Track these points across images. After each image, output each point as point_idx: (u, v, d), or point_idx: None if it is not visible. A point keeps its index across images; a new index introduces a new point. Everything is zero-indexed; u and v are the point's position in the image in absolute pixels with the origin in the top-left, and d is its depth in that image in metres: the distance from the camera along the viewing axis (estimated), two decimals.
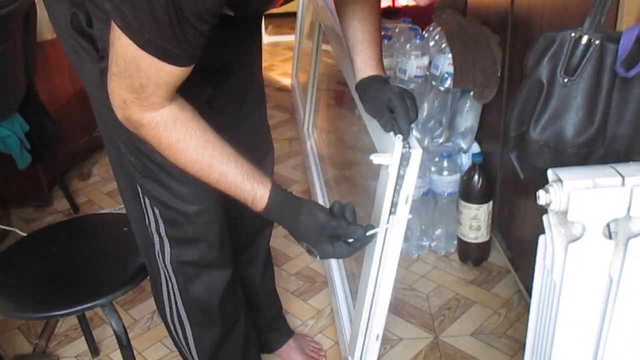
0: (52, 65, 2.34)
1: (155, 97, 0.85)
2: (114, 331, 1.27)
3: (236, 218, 1.29)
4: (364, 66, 1.09)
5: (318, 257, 0.95)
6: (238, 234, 1.33)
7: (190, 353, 1.26)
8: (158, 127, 0.88)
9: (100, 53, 0.97)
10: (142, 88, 0.84)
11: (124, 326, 1.28)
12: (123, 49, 0.81)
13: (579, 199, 0.82)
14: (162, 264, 1.16)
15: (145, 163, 1.04)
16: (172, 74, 0.83)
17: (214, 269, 1.19)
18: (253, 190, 0.93)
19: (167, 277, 1.17)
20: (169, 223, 1.11)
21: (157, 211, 1.10)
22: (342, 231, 0.92)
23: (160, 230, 1.12)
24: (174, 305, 1.21)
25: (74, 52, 1.02)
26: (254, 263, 1.45)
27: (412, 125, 1.03)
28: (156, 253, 1.15)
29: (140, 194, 1.09)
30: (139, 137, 0.91)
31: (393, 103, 1.01)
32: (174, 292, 1.19)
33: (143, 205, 1.10)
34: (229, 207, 1.19)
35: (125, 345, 1.28)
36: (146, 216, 1.11)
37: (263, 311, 1.51)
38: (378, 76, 1.08)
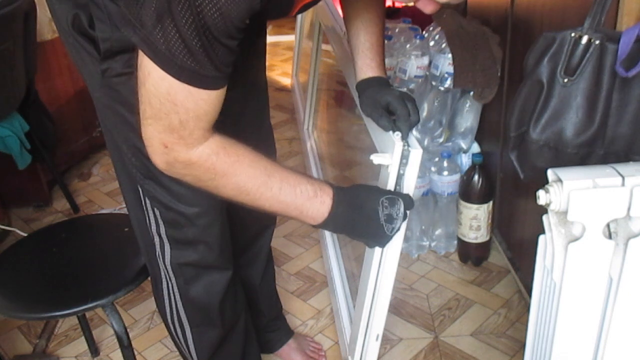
0: (52, 65, 2.34)
1: (199, 130, 0.82)
2: (115, 332, 1.27)
3: (238, 219, 1.29)
4: (365, 67, 1.10)
5: (401, 202, 0.95)
6: (240, 234, 1.33)
7: (190, 353, 1.26)
8: (211, 158, 0.85)
9: (102, 55, 0.96)
10: (183, 125, 0.81)
11: (125, 327, 1.28)
12: (156, 85, 0.78)
13: (579, 199, 0.82)
14: (163, 265, 1.16)
15: (146, 164, 1.04)
16: (210, 100, 0.81)
17: (213, 270, 1.18)
18: (315, 190, 0.92)
19: (168, 277, 1.18)
20: (169, 224, 1.11)
21: (157, 212, 1.10)
22: (396, 194, 0.96)
23: (161, 231, 1.12)
24: (174, 306, 1.21)
25: (75, 52, 1.02)
26: (255, 264, 1.45)
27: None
28: (157, 254, 1.15)
29: (141, 195, 1.09)
30: (187, 180, 0.88)
31: (393, 106, 1.02)
32: (174, 293, 1.19)
33: (144, 206, 1.10)
34: (231, 207, 1.19)
35: (126, 346, 1.28)
36: (147, 217, 1.11)
37: (263, 312, 1.51)
38: (379, 78, 1.09)
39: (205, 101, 0.81)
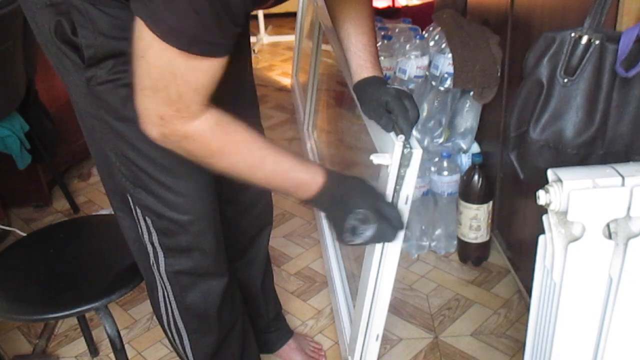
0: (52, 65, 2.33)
1: (195, 105, 0.82)
2: (108, 335, 1.25)
3: (236, 221, 1.28)
4: (360, 68, 1.09)
5: (372, 228, 0.95)
6: (238, 236, 1.32)
7: (187, 357, 1.25)
8: (205, 134, 0.85)
9: (86, 62, 0.94)
10: (181, 97, 0.81)
11: (118, 330, 1.26)
12: (157, 57, 0.78)
13: (579, 199, 0.82)
14: (158, 273, 1.14)
15: (136, 173, 1.02)
16: (210, 72, 0.81)
17: (209, 277, 1.17)
18: (308, 170, 0.95)
19: (163, 285, 1.16)
20: (162, 233, 1.09)
21: (149, 221, 1.07)
22: (383, 214, 0.97)
23: (154, 240, 1.10)
24: (170, 313, 1.20)
25: (58, 61, 0.99)
26: (254, 265, 1.45)
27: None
28: (151, 262, 1.14)
29: (131, 204, 1.07)
30: (180, 152, 0.88)
31: (391, 105, 1.01)
32: (169, 300, 1.17)
33: (135, 215, 1.09)
34: (228, 210, 1.18)
35: (119, 349, 1.27)
36: (139, 226, 1.09)
37: (263, 312, 1.51)
38: (375, 77, 1.08)
39: (205, 73, 0.80)
